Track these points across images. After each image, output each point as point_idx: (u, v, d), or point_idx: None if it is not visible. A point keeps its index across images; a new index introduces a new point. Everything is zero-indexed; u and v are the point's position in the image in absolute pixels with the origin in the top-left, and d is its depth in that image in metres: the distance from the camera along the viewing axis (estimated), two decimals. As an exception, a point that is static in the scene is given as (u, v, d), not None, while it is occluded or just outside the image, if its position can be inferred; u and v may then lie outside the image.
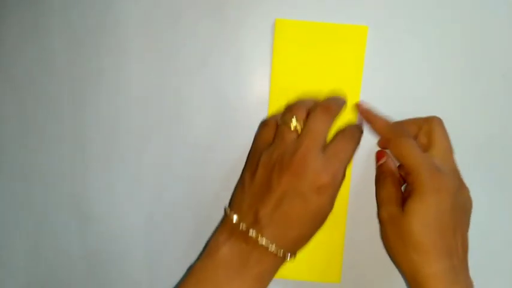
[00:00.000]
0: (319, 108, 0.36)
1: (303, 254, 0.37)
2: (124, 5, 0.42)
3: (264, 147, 0.36)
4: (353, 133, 0.37)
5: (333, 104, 0.37)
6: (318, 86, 0.41)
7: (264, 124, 0.39)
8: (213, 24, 0.42)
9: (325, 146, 0.35)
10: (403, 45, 0.41)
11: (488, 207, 0.41)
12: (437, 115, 0.38)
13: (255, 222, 0.34)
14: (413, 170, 0.35)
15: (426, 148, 0.37)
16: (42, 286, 0.45)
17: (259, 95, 0.42)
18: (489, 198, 0.41)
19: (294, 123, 0.36)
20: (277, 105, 0.41)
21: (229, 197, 0.40)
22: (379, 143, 0.41)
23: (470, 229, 0.37)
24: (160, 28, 0.42)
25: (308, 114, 0.36)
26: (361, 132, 0.38)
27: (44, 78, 0.43)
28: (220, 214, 0.39)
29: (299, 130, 0.35)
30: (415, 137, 0.38)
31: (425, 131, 0.38)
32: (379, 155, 0.40)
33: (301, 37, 0.41)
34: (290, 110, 0.37)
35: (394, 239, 0.35)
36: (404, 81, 0.41)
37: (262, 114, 0.42)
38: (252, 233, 0.33)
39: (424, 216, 0.34)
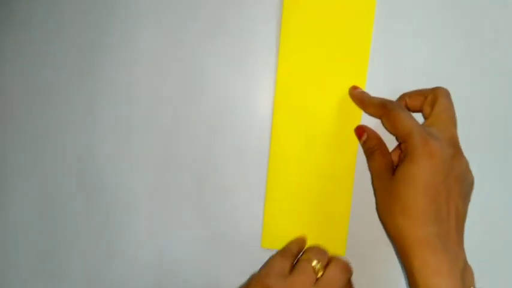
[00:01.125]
0: (341, 264, 0.37)
1: (308, 226, 0.37)
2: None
3: (277, 276, 0.36)
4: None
5: (350, 267, 0.38)
6: (327, 62, 0.40)
7: (280, 254, 0.39)
8: (220, 2, 0.42)
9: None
10: (412, 20, 0.41)
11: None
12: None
13: None
14: (405, 137, 0.34)
15: (427, 117, 0.37)
16: (48, 256, 0.46)
17: (266, 74, 0.42)
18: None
19: (316, 265, 0.36)
20: (286, 82, 0.41)
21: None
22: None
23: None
24: (169, 5, 0.42)
25: (328, 264, 0.37)
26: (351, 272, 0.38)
27: (54, 44, 0.44)
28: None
29: (318, 274, 0.36)
30: (420, 107, 0.38)
31: (429, 100, 0.37)
32: (359, 132, 0.39)
33: (309, 12, 0.41)
34: (312, 251, 0.38)
35: (384, 205, 0.35)
36: (412, 56, 0.41)
37: (269, 95, 0.42)
38: None
39: (412, 180, 0.32)
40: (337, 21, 0.40)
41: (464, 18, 0.40)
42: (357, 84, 0.40)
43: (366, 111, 0.39)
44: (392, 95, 0.40)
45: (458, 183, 0.34)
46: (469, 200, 0.35)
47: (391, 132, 0.36)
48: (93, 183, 0.45)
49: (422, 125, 0.35)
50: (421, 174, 0.32)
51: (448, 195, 0.33)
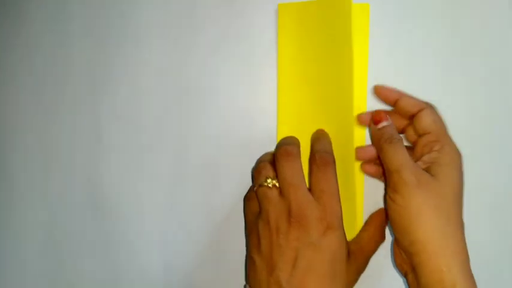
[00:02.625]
0: (279, 157, 0.35)
1: None
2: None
3: (255, 217, 0.36)
4: (325, 161, 0.35)
5: (287, 146, 0.36)
6: (325, 67, 0.40)
7: (246, 199, 0.38)
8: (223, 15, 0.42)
9: (309, 187, 0.35)
10: (406, 23, 0.40)
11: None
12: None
13: None
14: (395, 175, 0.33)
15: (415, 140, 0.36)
16: (56, 274, 0.46)
17: (267, 87, 0.42)
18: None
19: (269, 182, 0.35)
20: (287, 92, 0.41)
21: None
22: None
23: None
24: (175, 21, 0.43)
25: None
26: (331, 153, 0.36)
27: (63, 69, 0.44)
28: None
29: (277, 185, 0.35)
30: (405, 128, 0.37)
31: (415, 124, 0.36)
32: (377, 117, 0.36)
33: (304, 19, 0.41)
34: (258, 172, 0.36)
35: (424, 206, 0.31)
36: (410, 60, 0.40)
37: (272, 105, 0.42)
38: None
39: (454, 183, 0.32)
40: (332, 28, 0.40)
41: (464, 22, 0.39)
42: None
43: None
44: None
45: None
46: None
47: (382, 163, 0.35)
48: (102, 203, 0.45)
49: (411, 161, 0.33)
50: (458, 176, 0.33)
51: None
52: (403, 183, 0.31)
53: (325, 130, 0.40)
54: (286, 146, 0.36)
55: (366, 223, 0.38)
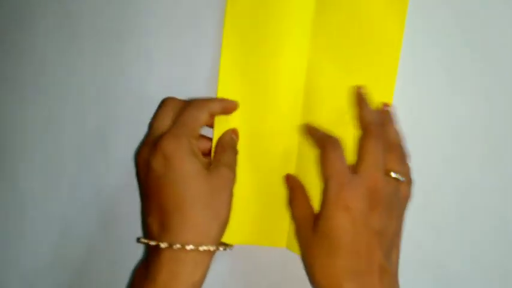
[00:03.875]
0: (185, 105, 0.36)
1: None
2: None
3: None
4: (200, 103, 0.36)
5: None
6: (270, 60, 0.38)
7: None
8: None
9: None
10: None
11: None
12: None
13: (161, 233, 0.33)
14: (324, 181, 0.33)
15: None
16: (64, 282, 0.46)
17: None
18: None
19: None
20: (229, 80, 0.39)
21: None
22: None
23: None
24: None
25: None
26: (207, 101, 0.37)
27: (68, 80, 0.44)
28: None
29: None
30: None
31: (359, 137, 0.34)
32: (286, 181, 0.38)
33: (253, 7, 0.38)
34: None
35: (307, 260, 0.33)
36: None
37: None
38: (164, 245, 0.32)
39: (328, 236, 0.32)
40: (278, 20, 0.38)
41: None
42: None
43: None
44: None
45: (378, 235, 0.31)
46: (396, 249, 0.34)
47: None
48: (111, 214, 0.44)
49: (347, 167, 0.33)
50: (336, 230, 0.31)
51: (367, 249, 0.31)
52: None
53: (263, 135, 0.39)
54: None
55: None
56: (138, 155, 0.35)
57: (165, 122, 0.36)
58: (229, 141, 0.37)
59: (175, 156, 0.33)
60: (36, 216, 0.45)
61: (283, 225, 0.39)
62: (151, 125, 0.36)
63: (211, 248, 0.33)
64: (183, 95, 0.40)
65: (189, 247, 0.32)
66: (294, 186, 0.37)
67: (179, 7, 0.41)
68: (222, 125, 0.38)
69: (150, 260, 0.33)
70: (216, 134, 0.38)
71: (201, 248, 0.32)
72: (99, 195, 0.44)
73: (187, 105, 0.36)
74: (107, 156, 0.44)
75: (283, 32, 0.38)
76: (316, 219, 0.32)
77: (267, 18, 0.38)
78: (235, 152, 0.37)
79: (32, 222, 0.45)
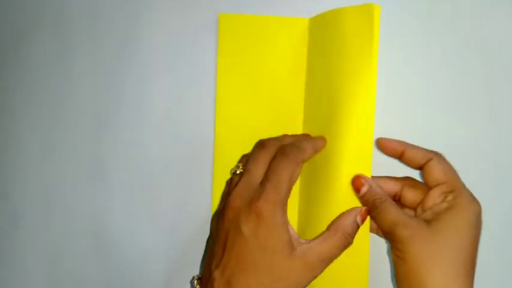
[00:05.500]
0: (278, 153, 0.34)
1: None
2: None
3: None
4: (283, 152, 0.34)
5: (291, 147, 0.34)
6: (266, 87, 0.40)
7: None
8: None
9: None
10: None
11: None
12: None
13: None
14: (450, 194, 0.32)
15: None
16: None
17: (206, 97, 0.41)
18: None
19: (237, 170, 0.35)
20: (224, 106, 0.40)
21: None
22: None
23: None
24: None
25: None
26: (297, 147, 0.34)
27: (66, 105, 0.44)
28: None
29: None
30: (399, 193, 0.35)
31: (425, 175, 0.34)
32: (357, 183, 0.33)
33: (246, 32, 0.40)
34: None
35: (422, 255, 0.30)
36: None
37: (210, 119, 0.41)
38: None
39: (458, 229, 0.31)
40: (276, 44, 0.40)
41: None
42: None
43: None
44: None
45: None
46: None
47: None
48: (106, 242, 0.44)
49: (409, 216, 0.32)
50: (467, 223, 0.31)
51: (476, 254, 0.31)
52: (399, 240, 0.31)
53: None
54: (288, 147, 0.35)
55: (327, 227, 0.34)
56: (231, 199, 0.33)
57: (261, 169, 0.34)
58: (346, 228, 0.32)
59: (266, 223, 0.31)
60: (29, 240, 0.45)
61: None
62: (248, 169, 0.34)
63: None
64: (182, 117, 0.41)
65: None
66: (373, 186, 0.34)
67: (179, 29, 0.42)
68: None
69: None
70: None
71: None
72: (95, 221, 0.44)
73: (281, 153, 0.33)
74: (104, 182, 0.44)
75: (276, 64, 0.40)
76: (442, 214, 0.31)
77: (261, 51, 0.40)
78: (346, 243, 0.32)
79: (24, 246, 0.46)
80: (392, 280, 0.37)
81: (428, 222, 0.31)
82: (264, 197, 0.31)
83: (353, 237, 0.32)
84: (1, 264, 0.46)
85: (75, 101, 0.44)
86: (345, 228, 0.32)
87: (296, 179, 0.33)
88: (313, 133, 0.38)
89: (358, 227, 0.33)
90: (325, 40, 0.37)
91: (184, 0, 0.41)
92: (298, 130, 0.40)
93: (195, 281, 0.34)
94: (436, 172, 0.33)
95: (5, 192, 0.46)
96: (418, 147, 0.35)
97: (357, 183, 0.33)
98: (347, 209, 0.33)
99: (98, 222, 0.44)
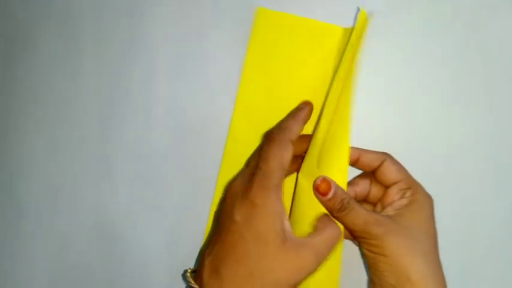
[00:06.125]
0: (264, 138, 0.34)
1: None
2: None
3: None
4: (268, 137, 0.34)
5: (276, 130, 0.34)
6: (289, 88, 0.39)
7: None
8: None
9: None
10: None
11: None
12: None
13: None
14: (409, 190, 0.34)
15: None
16: None
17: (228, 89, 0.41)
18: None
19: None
20: (245, 104, 0.40)
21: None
22: None
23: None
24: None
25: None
26: (282, 130, 0.34)
27: (72, 103, 0.44)
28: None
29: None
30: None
31: (380, 176, 0.35)
32: (323, 187, 0.32)
33: (281, 31, 0.40)
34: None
35: (399, 248, 0.31)
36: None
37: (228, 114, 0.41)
38: None
39: (421, 222, 0.33)
40: (309, 47, 0.39)
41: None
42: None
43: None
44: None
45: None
46: None
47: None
48: (110, 237, 0.44)
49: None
50: (428, 215, 0.33)
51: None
52: (373, 237, 0.32)
53: None
54: (275, 129, 0.35)
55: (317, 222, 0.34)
56: (228, 189, 0.33)
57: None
58: (334, 229, 0.33)
59: (258, 212, 0.31)
60: (34, 234, 0.46)
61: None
62: (248, 161, 0.35)
63: None
64: (191, 117, 0.41)
65: None
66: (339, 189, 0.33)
67: (188, 25, 0.42)
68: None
69: None
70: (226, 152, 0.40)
71: None
72: (99, 216, 0.44)
73: (266, 140, 0.34)
74: (109, 178, 0.44)
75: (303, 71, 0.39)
76: (402, 210, 0.33)
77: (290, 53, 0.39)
78: (337, 240, 0.32)
79: (30, 241, 0.46)
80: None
81: (392, 217, 0.33)
82: (256, 184, 0.31)
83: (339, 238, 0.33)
84: (8, 257, 0.46)
85: (80, 99, 0.44)
86: (334, 221, 0.33)
87: (288, 160, 0.33)
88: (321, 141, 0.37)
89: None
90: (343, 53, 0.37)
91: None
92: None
93: (188, 273, 0.33)
94: (391, 172, 0.35)
95: (11, 189, 0.46)
96: (370, 151, 0.35)
97: (323, 186, 0.32)
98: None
99: (102, 218, 0.44)
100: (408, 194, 0.34)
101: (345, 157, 0.32)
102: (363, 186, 0.36)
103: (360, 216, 0.32)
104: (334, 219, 0.33)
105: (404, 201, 0.34)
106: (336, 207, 0.32)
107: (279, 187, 0.32)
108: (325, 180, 0.32)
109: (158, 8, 0.42)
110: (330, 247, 0.31)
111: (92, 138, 0.44)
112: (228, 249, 0.31)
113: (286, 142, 0.33)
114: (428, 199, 0.34)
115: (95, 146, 0.44)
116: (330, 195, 0.32)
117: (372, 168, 0.35)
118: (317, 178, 0.32)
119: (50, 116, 0.45)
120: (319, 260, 0.31)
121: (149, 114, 0.43)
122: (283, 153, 0.33)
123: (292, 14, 0.40)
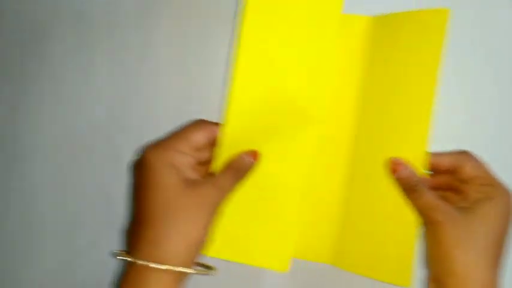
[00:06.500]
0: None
1: (370, 248, 0.36)
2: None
3: None
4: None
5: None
6: (290, 78, 0.36)
7: None
8: None
9: None
10: None
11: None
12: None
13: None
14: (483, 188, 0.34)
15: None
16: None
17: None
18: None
19: None
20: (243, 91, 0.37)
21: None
22: None
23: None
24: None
25: None
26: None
27: (83, 99, 0.44)
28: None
29: None
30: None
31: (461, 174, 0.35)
32: (393, 166, 0.35)
33: (277, 16, 0.36)
34: None
35: (453, 239, 0.32)
36: None
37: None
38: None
39: (492, 218, 0.33)
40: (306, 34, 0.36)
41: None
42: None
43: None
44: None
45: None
46: None
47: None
48: (116, 220, 0.44)
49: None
50: (501, 213, 0.33)
51: (506, 242, 0.34)
52: (432, 222, 0.33)
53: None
54: None
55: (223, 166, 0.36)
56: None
57: None
58: (236, 163, 0.35)
59: (152, 166, 0.33)
60: (45, 217, 0.46)
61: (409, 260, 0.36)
62: None
63: (175, 269, 0.31)
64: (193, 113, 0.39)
65: (152, 265, 0.31)
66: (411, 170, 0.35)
67: (191, 25, 0.42)
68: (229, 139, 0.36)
69: (122, 274, 0.33)
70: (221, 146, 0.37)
71: (163, 267, 0.31)
72: (106, 199, 0.44)
73: (190, 122, 0.36)
74: (116, 164, 0.44)
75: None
76: (477, 203, 0.34)
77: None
78: (237, 176, 0.35)
79: (41, 222, 0.46)
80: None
81: (463, 209, 0.33)
82: (150, 146, 0.34)
83: (244, 172, 0.35)
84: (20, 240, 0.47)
85: (91, 95, 0.44)
86: (235, 164, 0.35)
87: (194, 141, 0.35)
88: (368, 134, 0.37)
89: (249, 164, 0.35)
90: (389, 44, 0.36)
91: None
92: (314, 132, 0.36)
93: (118, 252, 0.33)
94: (471, 168, 0.35)
95: (23, 173, 0.46)
96: (448, 152, 0.36)
97: (393, 165, 0.35)
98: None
99: (109, 201, 0.44)
100: (486, 189, 0.34)
101: (422, 148, 0.34)
102: (443, 179, 0.36)
103: (425, 199, 0.33)
104: (236, 162, 0.35)
105: (479, 196, 0.34)
106: (406, 186, 0.34)
107: (176, 152, 0.34)
108: (395, 160, 0.35)
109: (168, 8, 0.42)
110: (232, 185, 0.34)
111: (101, 130, 0.44)
112: (135, 211, 0.33)
113: (201, 126, 0.35)
114: (506, 197, 0.34)
115: (103, 137, 0.44)
116: (402, 173, 0.34)
117: (453, 169, 0.36)
118: (394, 158, 0.35)
119: (61, 109, 0.45)
120: (221, 191, 0.34)
121: (156, 108, 0.43)
122: (193, 132, 0.35)
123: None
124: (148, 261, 0.31)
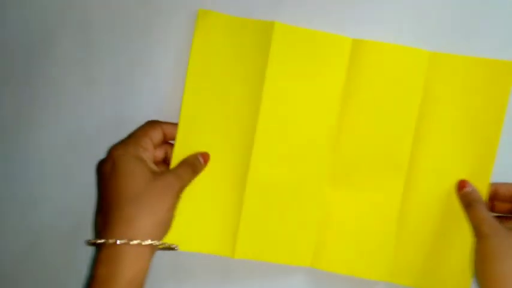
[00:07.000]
0: None
1: (428, 262, 0.41)
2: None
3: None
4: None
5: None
6: (237, 87, 0.40)
7: None
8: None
9: None
10: None
11: None
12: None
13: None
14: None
15: None
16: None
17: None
18: None
19: None
20: (192, 104, 0.40)
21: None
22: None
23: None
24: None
25: None
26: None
27: (86, 104, 0.45)
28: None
29: None
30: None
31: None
32: (461, 185, 0.40)
33: (224, 32, 0.39)
34: None
35: (498, 251, 0.36)
36: None
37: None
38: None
39: None
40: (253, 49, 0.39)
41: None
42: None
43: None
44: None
45: None
46: None
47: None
48: None
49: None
50: None
51: None
52: (481, 235, 0.38)
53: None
54: None
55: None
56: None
57: None
58: (192, 160, 0.40)
59: (121, 159, 0.37)
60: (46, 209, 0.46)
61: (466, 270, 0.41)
62: None
63: (144, 243, 0.34)
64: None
65: (122, 241, 0.34)
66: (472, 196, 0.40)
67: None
68: (184, 139, 0.40)
69: (95, 257, 0.36)
70: (177, 146, 0.40)
71: (132, 243, 0.34)
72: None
73: (148, 122, 0.41)
74: None
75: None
76: None
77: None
78: (192, 170, 0.40)
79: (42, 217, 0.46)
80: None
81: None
82: (116, 144, 0.38)
83: (199, 168, 0.40)
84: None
85: (94, 99, 0.44)
86: (191, 161, 0.40)
87: (151, 137, 0.39)
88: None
89: (200, 163, 0.41)
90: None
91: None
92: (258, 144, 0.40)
93: (89, 240, 0.37)
94: None
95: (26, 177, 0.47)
96: (507, 183, 0.41)
97: (462, 183, 0.40)
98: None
99: None
100: None
101: (487, 172, 0.40)
102: (506, 206, 0.41)
103: (478, 214, 0.38)
104: (190, 160, 0.40)
105: None
106: (466, 202, 0.40)
107: (138, 147, 0.38)
108: (465, 181, 0.40)
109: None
110: (190, 176, 0.39)
111: (101, 133, 0.44)
112: (104, 199, 0.37)
113: (156, 125, 0.40)
114: None
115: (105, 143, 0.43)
116: (465, 190, 0.40)
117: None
118: (463, 179, 0.40)
119: (65, 112, 0.45)
120: (181, 181, 0.38)
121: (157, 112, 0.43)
122: (150, 130, 0.40)
123: (234, 16, 0.39)
124: (122, 238, 0.34)
